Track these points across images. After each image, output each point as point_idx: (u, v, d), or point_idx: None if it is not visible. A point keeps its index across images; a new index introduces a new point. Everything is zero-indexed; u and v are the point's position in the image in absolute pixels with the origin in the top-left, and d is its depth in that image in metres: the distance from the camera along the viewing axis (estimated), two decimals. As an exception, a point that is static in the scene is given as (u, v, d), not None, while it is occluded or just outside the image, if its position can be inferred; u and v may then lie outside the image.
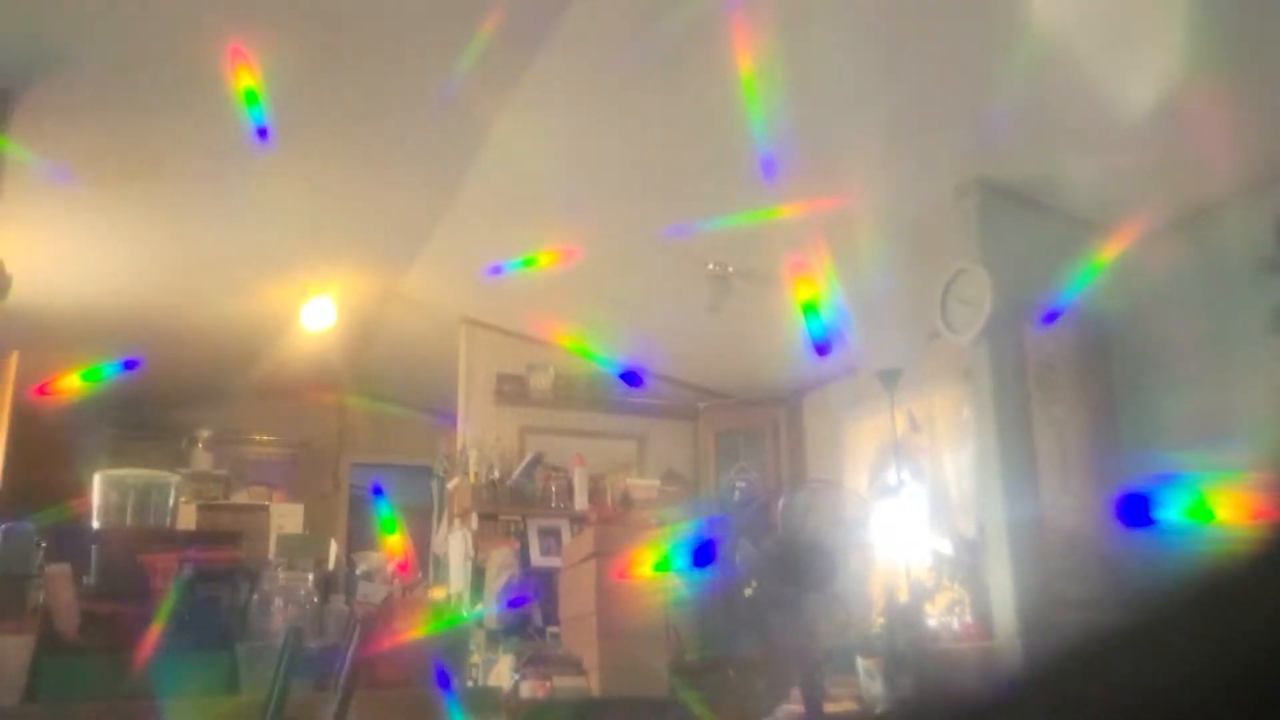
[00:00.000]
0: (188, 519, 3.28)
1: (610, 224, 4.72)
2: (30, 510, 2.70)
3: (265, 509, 3.88)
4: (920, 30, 3.24)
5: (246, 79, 3.45)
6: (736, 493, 5.86)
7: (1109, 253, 3.73)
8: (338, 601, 2.72)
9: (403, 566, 4.71)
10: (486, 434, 6.03)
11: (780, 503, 3.66)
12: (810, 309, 4.61)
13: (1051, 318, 3.88)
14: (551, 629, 4.97)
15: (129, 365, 5.52)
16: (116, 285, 5.16)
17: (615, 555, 4.09)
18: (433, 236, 5.05)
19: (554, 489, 5.89)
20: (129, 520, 2.79)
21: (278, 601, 2.57)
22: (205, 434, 6.78)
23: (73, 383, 5.41)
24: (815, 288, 4.54)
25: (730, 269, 4.92)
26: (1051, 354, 3.96)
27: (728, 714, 3.82)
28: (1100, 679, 0.40)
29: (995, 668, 3.68)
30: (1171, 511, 3.17)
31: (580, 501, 5.87)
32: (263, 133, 3.69)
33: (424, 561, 6.28)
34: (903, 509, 4.89)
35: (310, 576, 2.71)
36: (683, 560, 4.02)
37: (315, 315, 5.64)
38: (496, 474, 5.83)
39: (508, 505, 5.79)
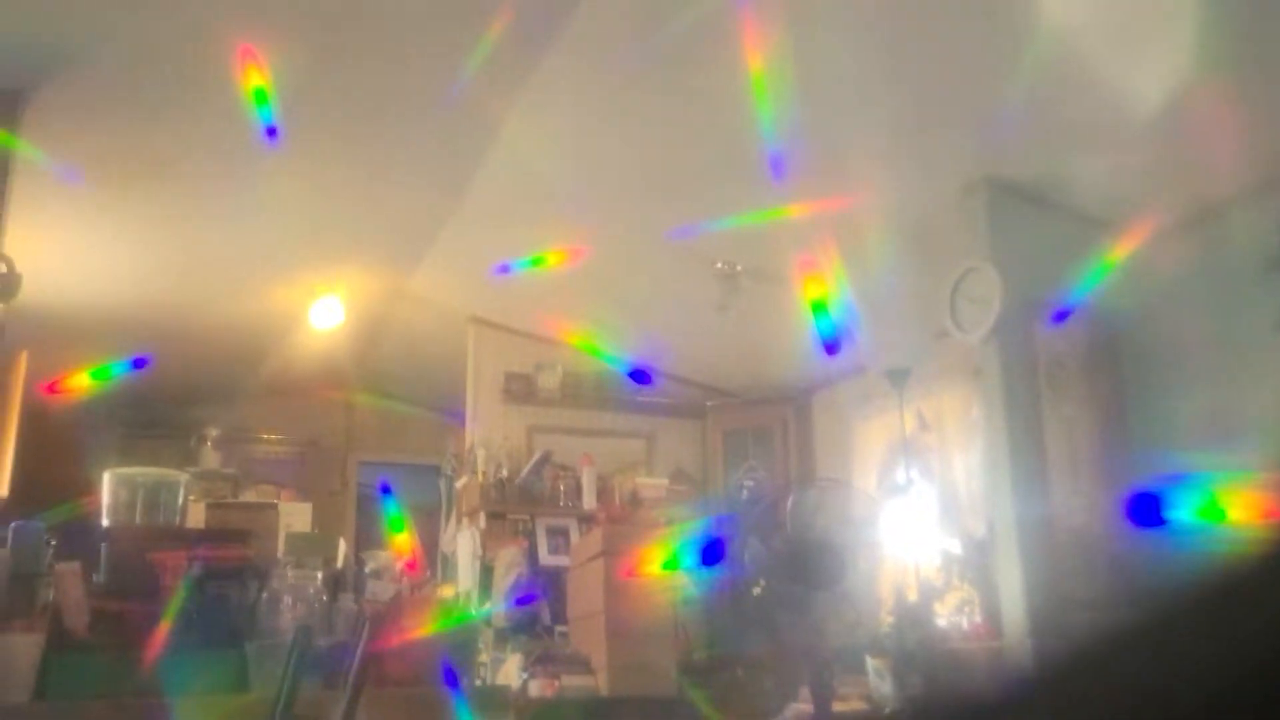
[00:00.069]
0: (197, 517, 3.30)
1: (618, 223, 4.72)
2: (40, 508, 2.71)
3: (274, 507, 3.90)
4: (928, 29, 3.23)
5: (256, 80, 3.45)
6: (745, 491, 5.85)
7: (1118, 251, 3.72)
8: (346, 600, 2.73)
9: (411, 565, 4.72)
10: (494, 433, 6.03)
11: (789, 501, 3.64)
12: (819, 308, 4.60)
13: (1061, 316, 3.86)
14: (560, 628, 4.97)
15: (138, 364, 5.53)
16: (126, 284, 5.17)
17: (623, 554, 4.09)
18: (440, 236, 5.05)
19: (562, 488, 5.89)
20: (138, 518, 2.81)
21: (287, 600, 2.58)
22: (214, 432, 6.79)
23: (82, 381, 5.42)
24: (824, 286, 4.53)
25: (739, 268, 4.91)
26: (1061, 353, 3.95)
27: (736, 713, 3.82)
28: (1110, 679, 0.40)
29: (1005, 668, 3.68)
30: (1182, 511, 3.16)
31: (588, 500, 5.87)
32: (272, 132, 3.70)
33: (432, 560, 6.30)
34: (912, 508, 4.88)
35: (319, 575, 2.72)
36: (691, 559, 4.02)
37: (323, 314, 5.65)
38: (505, 473, 5.83)
39: (516, 504, 5.80)
